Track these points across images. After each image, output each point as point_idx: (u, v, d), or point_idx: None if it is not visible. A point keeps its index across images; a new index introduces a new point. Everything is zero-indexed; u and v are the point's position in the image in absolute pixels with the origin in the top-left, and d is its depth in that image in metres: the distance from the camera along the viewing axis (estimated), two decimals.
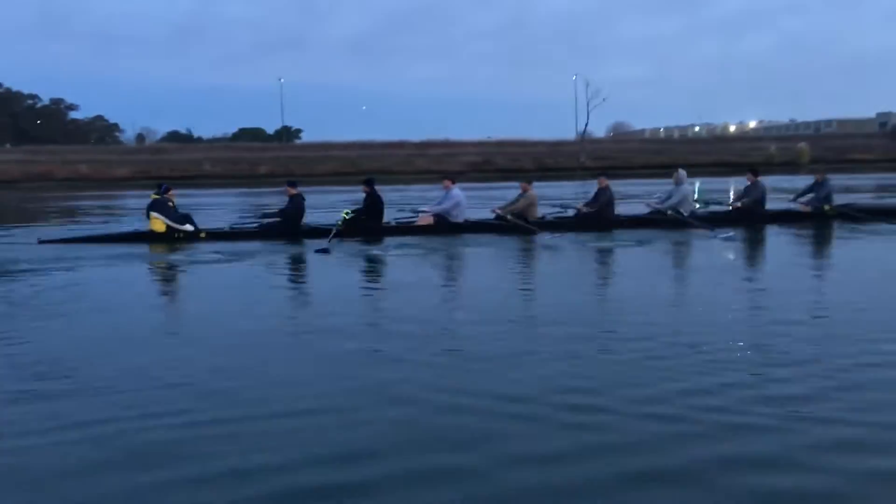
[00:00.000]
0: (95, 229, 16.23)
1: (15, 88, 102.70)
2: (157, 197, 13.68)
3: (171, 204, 13.70)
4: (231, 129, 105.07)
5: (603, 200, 14.53)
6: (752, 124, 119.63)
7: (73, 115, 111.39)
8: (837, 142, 74.48)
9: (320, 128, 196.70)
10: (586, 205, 14.71)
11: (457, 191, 14.30)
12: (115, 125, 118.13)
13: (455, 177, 15.16)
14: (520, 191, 14.53)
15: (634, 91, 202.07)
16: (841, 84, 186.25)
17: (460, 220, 14.07)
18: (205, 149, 78.76)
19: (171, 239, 13.34)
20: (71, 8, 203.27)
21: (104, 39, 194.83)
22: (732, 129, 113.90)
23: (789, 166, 60.38)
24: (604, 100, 78.83)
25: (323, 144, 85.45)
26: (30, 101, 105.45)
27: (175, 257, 11.95)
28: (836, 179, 17.07)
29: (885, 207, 16.25)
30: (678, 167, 16.06)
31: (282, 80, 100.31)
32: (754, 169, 15.34)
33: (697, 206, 15.20)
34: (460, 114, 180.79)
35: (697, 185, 17.80)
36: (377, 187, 14.39)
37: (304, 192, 14.71)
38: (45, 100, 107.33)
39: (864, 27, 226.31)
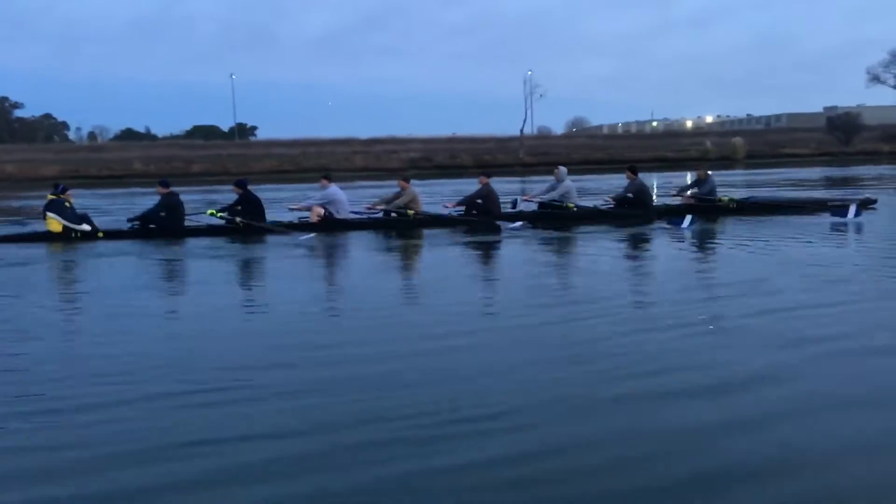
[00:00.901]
0: None
1: None
2: (53, 197, 13.47)
3: (67, 204, 13.51)
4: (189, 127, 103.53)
5: (484, 198, 14.72)
6: (709, 119, 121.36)
7: (19, 113, 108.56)
8: (778, 136, 76.34)
9: (284, 125, 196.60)
10: (460, 203, 14.95)
11: (333, 188, 14.44)
12: (64, 123, 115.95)
13: (331, 175, 15.25)
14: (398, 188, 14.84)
15: (600, 87, 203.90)
16: (801, 79, 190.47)
17: (344, 216, 14.25)
18: (146, 147, 77.46)
19: (68, 238, 13.17)
20: (32, 7, 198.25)
21: (67, 39, 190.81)
22: (689, 124, 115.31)
23: (725, 161, 61.90)
24: (541, 95, 79.88)
25: (268, 142, 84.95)
26: None
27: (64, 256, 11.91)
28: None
29: (776, 201, 17.01)
30: (559, 164, 16.62)
31: (233, 77, 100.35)
32: (633, 167, 15.70)
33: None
34: (425, 110, 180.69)
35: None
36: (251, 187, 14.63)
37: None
38: None
39: (824, 23, 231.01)
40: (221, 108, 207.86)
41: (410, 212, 14.24)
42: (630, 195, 14.98)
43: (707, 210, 15.03)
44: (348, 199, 14.72)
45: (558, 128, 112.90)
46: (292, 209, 14.72)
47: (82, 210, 14.30)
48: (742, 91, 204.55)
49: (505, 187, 19.70)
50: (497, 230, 13.39)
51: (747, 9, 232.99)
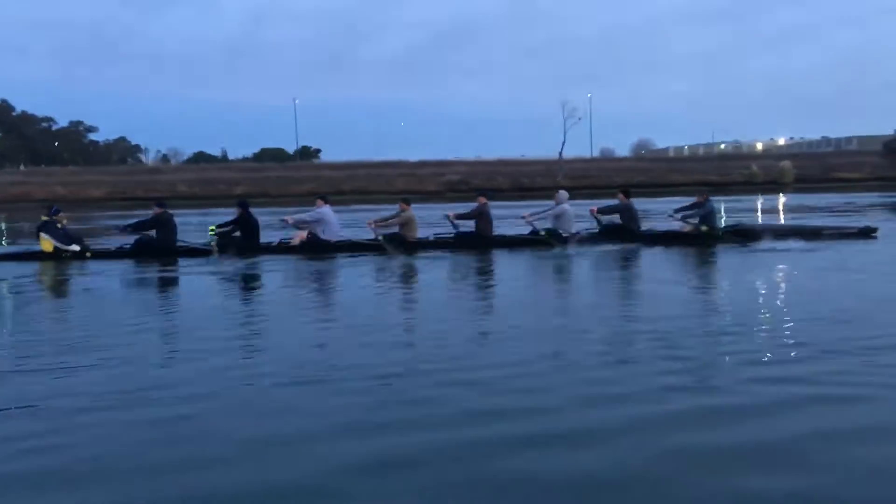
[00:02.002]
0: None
1: (31, 111, 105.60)
2: (46, 219, 14.29)
3: (59, 225, 14.28)
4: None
5: (477, 217, 15.08)
6: (782, 141, 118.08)
7: (93, 136, 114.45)
8: (835, 160, 74.24)
9: (356, 147, 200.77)
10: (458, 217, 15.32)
11: (326, 209, 14.85)
12: (137, 146, 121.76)
13: (326, 196, 15.65)
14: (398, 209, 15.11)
15: (675, 107, 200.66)
16: (887, 100, 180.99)
17: (331, 238, 14.57)
18: (200, 169, 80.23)
19: (58, 258, 13.91)
20: (122, 32, 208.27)
21: (154, 62, 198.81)
22: (760, 146, 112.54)
23: (773, 185, 60.62)
24: (579, 119, 77.93)
25: (318, 165, 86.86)
26: (45, 124, 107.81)
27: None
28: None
29: (768, 227, 16.66)
30: (560, 188, 16.78)
31: (296, 101, 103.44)
32: (625, 190, 15.89)
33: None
34: (496, 130, 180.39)
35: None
36: (251, 210, 15.19)
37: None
38: (65, 122, 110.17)
39: None
40: (299, 130, 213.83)
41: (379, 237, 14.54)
42: (617, 214, 15.20)
43: (695, 237, 14.91)
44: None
45: (622, 150, 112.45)
46: (283, 220, 15.20)
47: (75, 231, 15.05)
48: (824, 112, 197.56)
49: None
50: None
51: (835, 27, 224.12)
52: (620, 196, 15.54)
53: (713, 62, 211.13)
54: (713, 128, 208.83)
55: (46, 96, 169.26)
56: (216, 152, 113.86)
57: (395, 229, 14.67)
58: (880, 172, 64.98)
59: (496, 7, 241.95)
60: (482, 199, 15.34)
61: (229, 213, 17.15)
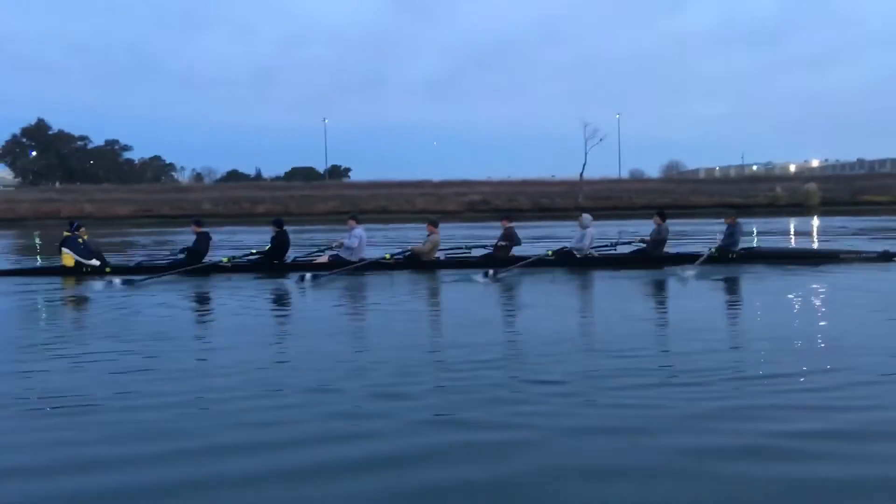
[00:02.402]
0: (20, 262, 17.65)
1: (67, 130, 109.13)
2: (68, 234, 14.80)
3: (80, 241, 14.78)
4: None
5: (506, 239, 15.31)
6: (815, 163, 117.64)
7: (128, 155, 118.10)
8: (865, 183, 72.78)
9: (387, 167, 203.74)
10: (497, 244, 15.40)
11: (359, 230, 15.13)
12: (171, 164, 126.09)
13: (359, 216, 15.95)
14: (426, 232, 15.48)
15: (708, 129, 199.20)
16: None
17: (355, 258, 14.78)
18: (226, 188, 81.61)
19: (79, 272, 14.39)
20: (158, 52, 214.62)
21: (190, 83, 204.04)
22: (793, 168, 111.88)
23: (798, 207, 60.03)
24: (601, 140, 77.66)
25: (342, 184, 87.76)
26: (80, 143, 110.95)
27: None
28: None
29: (782, 251, 16.77)
30: (583, 211, 17.09)
31: (326, 121, 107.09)
32: (662, 213, 15.77)
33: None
34: (523, 151, 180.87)
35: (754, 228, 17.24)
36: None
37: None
38: (100, 141, 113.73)
39: None
40: (330, 150, 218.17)
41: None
42: (660, 239, 15.26)
43: (719, 259, 14.84)
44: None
45: (652, 171, 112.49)
46: (334, 249, 15.38)
47: (96, 246, 15.54)
48: (859, 135, 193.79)
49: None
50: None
51: (871, 48, 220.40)
52: (656, 219, 15.50)
53: (747, 83, 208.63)
54: (743, 150, 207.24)
55: (85, 115, 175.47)
56: (250, 171, 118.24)
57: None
58: None
59: (526, 27, 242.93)
60: (506, 222, 15.66)
61: (253, 231, 17.60)
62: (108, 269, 14.60)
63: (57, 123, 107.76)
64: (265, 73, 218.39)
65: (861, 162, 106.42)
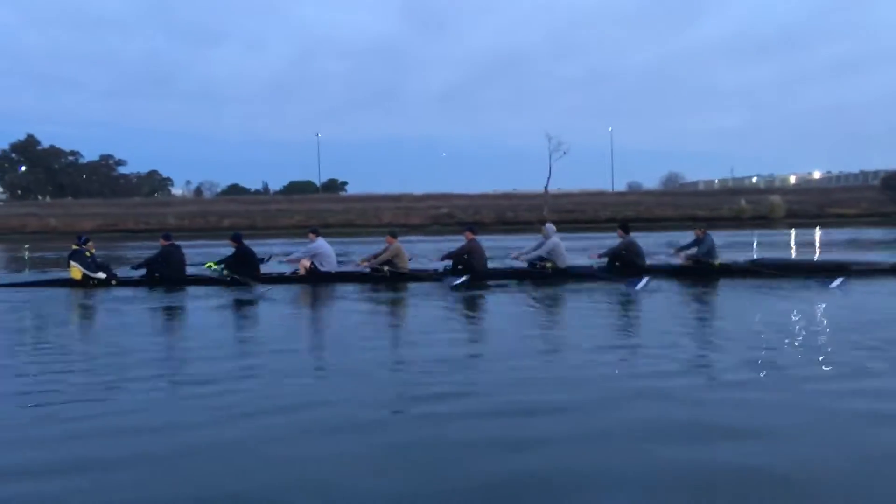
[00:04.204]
0: (28, 277, 18.30)
1: (58, 145, 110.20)
2: (76, 248, 15.55)
3: (87, 254, 15.52)
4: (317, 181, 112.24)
5: (467, 252, 15.18)
6: (817, 174, 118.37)
7: (123, 169, 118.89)
8: (835, 196, 73.65)
9: (388, 179, 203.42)
10: (446, 257, 15.57)
11: (320, 241, 15.61)
12: (168, 179, 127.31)
13: (318, 229, 16.26)
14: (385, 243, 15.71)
15: (727, 140, 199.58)
16: None
17: (330, 269, 15.40)
18: (198, 202, 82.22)
19: (86, 284, 15.14)
20: (173, 68, 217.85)
21: (206, 98, 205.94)
22: (793, 179, 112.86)
23: (762, 220, 61.46)
24: (564, 153, 78.07)
25: (316, 198, 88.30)
26: (71, 158, 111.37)
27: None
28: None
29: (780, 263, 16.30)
30: (546, 222, 17.14)
31: (319, 136, 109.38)
32: (625, 225, 15.89)
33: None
34: (530, 164, 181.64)
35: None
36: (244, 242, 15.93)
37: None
38: (94, 156, 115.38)
39: None
40: (338, 164, 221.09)
41: (385, 268, 15.14)
42: (623, 252, 15.21)
43: (700, 272, 14.97)
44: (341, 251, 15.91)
45: (651, 183, 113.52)
46: (281, 262, 16.27)
47: (102, 259, 16.28)
48: (877, 145, 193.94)
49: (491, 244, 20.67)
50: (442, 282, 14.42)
51: (890, 59, 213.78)
52: (619, 232, 15.65)
53: (755, 95, 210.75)
54: (754, 160, 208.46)
55: (99, 129, 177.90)
56: (257, 185, 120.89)
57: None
58: (877, 208, 64.77)
59: (537, 40, 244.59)
60: (469, 235, 15.43)
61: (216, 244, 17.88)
62: (113, 282, 15.35)
63: (70, 137, 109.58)
64: (278, 87, 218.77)
65: (864, 173, 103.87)
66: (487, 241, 17.39)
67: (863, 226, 49.99)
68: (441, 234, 46.83)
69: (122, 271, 16.41)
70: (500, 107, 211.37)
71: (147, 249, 27.04)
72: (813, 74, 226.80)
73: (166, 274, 15.51)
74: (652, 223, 55.32)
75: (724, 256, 16.17)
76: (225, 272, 15.25)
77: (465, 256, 15.16)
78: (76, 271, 15.33)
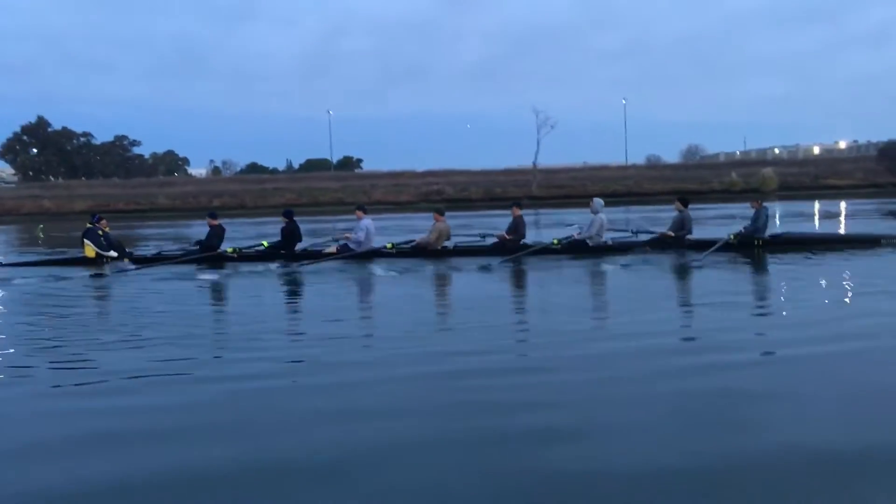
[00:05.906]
0: (42, 255, 19.16)
1: (70, 127, 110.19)
2: (89, 226, 16.39)
3: (100, 233, 16.29)
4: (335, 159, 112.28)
5: (518, 228, 15.72)
6: (842, 144, 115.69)
7: (138, 150, 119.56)
8: (828, 167, 73.54)
9: (405, 156, 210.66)
10: (507, 233, 15.75)
11: (366, 221, 15.67)
12: (185, 159, 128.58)
13: (364, 207, 16.46)
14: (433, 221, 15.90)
15: (763, 110, 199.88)
16: None
17: (365, 248, 15.36)
18: (198, 182, 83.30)
19: (100, 263, 15.78)
20: (207, 48, 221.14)
21: (239, 78, 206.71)
22: (816, 150, 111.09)
23: (754, 193, 61.09)
24: (552, 127, 77.44)
25: (320, 176, 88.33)
26: (83, 139, 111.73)
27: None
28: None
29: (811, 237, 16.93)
30: (593, 197, 17.56)
31: (330, 113, 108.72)
32: (684, 198, 15.95)
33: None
34: (558, 138, 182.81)
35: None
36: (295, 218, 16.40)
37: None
38: (110, 137, 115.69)
39: None
40: (363, 141, 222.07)
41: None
42: (682, 225, 15.31)
43: (743, 247, 14.85)
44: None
45: (671, 157, 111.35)
46: (337, 239, 16.37)
47: (115, 238, 17.09)
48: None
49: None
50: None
51: None
52: (677, 205, 15.68)
53: (792, 64, 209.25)
54: (799, 129, 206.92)
55: (134, 110, 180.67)
56: (281, 164, 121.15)
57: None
58: (873, 179, 64.54)
59: (570, 12, 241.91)
60: (516, 210, 15.90)
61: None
62: (126, 260, 16.04)
63: (106, 119, 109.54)
64: (304, 65, 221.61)
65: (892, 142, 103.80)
66: (468, 218, 17.88)
67: (856, 197, 49.92)
68: (428, 210, 46.71)
69: (182, 247, 17.50)
70: (531, 80, 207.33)
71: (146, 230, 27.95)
72: (847, 43, 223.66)
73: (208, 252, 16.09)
74: (642, 197, 56.03)
75: (710, 232, 16.58)
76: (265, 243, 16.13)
77: (510, 236, 15.59)
78: (90, 249, 16.06)
